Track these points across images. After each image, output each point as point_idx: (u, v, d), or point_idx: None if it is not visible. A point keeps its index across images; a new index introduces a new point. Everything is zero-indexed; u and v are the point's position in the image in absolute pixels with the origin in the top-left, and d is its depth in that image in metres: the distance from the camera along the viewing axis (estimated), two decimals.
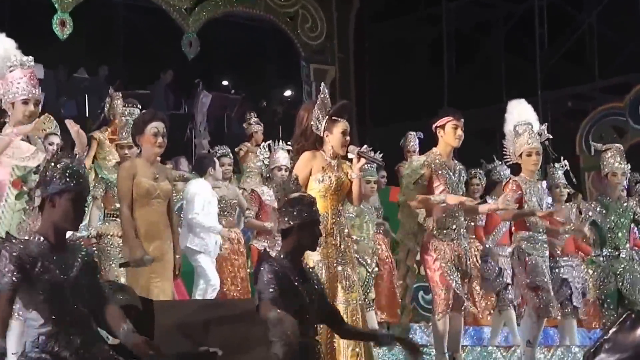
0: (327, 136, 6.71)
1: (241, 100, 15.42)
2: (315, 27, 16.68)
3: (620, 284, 8.60)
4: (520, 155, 7.98)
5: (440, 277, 7.37)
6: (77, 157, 4.52)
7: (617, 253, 8.71)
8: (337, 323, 5.20)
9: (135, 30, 15.72)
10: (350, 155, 6.77)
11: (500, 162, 10.26)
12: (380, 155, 9.80)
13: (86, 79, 14.26)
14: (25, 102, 6.25)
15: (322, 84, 7.07)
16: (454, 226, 7.44)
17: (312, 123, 6.69)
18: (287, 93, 17.66)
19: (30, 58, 6.38)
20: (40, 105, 6.38)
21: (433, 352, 7.81)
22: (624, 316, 7.17)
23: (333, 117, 6.69)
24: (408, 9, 18.01)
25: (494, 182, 10.25)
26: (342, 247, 6.62)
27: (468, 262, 7.50)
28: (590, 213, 8.68)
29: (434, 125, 7.54)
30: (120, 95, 10.70)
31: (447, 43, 17.57)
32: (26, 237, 4.40)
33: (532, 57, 16.54)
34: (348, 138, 6.74)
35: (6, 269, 4.20)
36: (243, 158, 11.79)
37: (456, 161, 7.65)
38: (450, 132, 7.46)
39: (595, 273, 8.74)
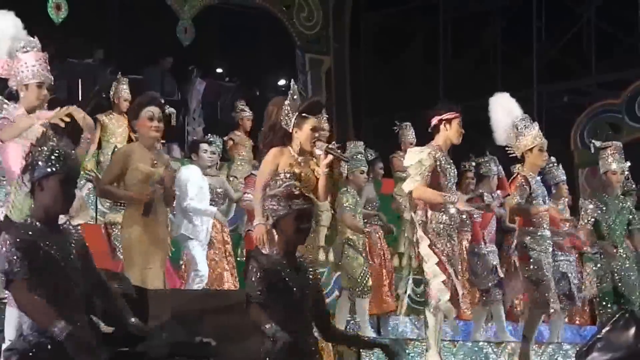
0: (295, 132, 6.74)
1: (235, 88, 15.35)
2: (311, 17, 16.64)
3: (618, 282, 8.58)
4: (531, 150, 7.90)
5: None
6: (63, 138, 4.46)
7: (614, 251, 8.67)
8: (322, 324, 4.99)
9: (131, 15, 15.62)
10: (317, 152, 6.83)
11: (491, 157, 10.19)
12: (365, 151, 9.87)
13: (80, 62, 14.17)
14: (40, 85, 6.29)
15: (292, 81, 7.13)
16: (448, 222, 7.40)
17: (281, 118, 6.73)
18: (282, 82, 17.58)
19: (36, 40, 6.36)
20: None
21: (424, 345, 7.79)
22: (617, 315, 7.16)
23: (303, 114, 6.73)
24: None
25: (482, 175, 10.16)
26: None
27: (457, 258, 7.50)
28: (590, 211, 8.64)
29: (438, 118, 7.46)
30: (127, 80, 10.81)
31: (443, 33, 17.51)
32: (21, 221, 4.30)
33: (529, 50, 16.48)
34: (317, 134, 6.80)
35: (14, 257, 4.13)
36: (232, 148, 11.78)
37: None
38: (456, 128, 7.41)
39: (593, 271, 8.71)
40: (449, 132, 7.42)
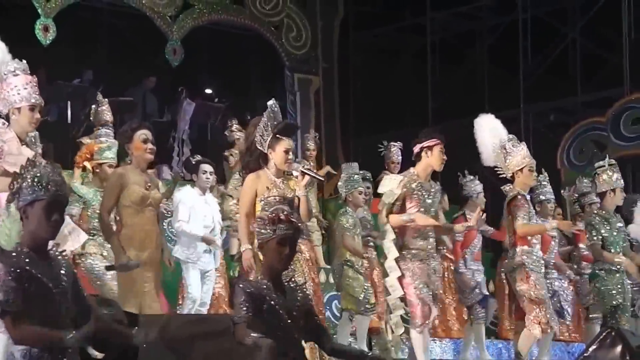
0: (270, 153, 6.87)
1: (224, 108, 15.38)
2: (299, 37, 16.68)
3: (621, 299, 8.70)
4: (521, 170, 7.97)
5: (414, 293, 7.39)
6: (50, 164, 4.45)
7: (616, 267, 8.79)
8: (321, 339, 4.99)
9: (119, 36, 15.67)
10: (294, 173, 6.92)
11: (472, 177, 10.22)
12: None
13: (69, 84, 14.17)
14: (32, 108, 6.26)
15: (272, 100, 7.14)
16: (423, 247, 7.45)
17: (256, 139, 6.83)
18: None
19: (24, 63, 6.37)
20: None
21: None
22: (604, 334, 7.26)
23: (277, 135, 6.84)
24: (393, 19, 18.04)
25: (466, 196, 10.16)
26: None
27: (437, 283, 7.56)
28: (597, 229, 8.77)
29: (420, 145, 7.53)
30: (106, 101, 10.73)
31: (431, 53, 17.60)
32: (12, 249, 4.32)
33: (515, 70, 16.58)
34: (291, 156, 6.94)
35: (9, 288, 4.11)
36: (234, 165, 11.71)
37: (433, 182, 7.65)
38: (437, 156, 7.46)
39: (599, 287, 8.81)
40: (430, 159, 7.47)
